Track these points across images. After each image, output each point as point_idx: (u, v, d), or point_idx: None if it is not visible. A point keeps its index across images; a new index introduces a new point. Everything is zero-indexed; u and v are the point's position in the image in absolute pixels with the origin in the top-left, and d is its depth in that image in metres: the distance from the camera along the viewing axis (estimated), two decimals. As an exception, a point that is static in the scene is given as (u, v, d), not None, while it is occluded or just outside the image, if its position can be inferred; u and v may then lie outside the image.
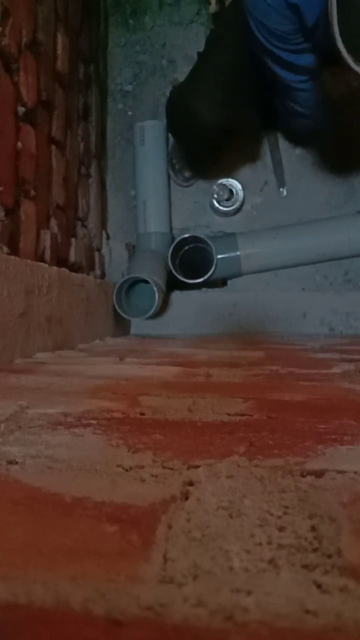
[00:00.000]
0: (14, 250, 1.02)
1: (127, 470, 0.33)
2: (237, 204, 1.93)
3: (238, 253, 1.80)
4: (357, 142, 1.91)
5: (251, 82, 1.52)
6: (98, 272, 1.79)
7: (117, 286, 1.57)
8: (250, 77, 1.50)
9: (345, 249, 1.81)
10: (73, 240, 1.47)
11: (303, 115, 1.58)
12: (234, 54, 1.46)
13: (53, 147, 1.30)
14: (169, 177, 1.95)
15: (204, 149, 1.77)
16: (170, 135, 1.84)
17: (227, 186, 1.94)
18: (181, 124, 1.62)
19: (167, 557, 0.22)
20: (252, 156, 1.98)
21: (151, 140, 1.88)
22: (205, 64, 1.54)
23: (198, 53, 1.62)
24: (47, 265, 1.04)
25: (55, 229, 1.30)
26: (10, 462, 0.34)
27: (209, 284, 1.86)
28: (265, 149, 1.98)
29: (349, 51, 1.08)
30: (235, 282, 1.93)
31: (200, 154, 1.88)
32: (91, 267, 1.70)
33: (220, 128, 1.55)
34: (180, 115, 1.58)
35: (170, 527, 0.25)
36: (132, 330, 1.81)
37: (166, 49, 2.02)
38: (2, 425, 0.43)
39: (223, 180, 1.94)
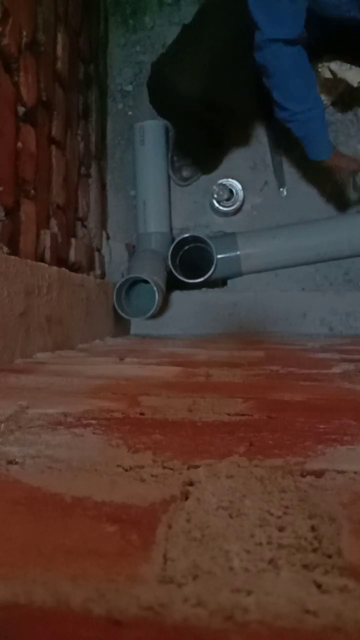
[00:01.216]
0: (14, 250, 1.03)
1: (127, 470, 0.33)
2: (237, 204, 1.93)
3: (238, 253, 1.80)
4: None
5: (242, 63, 1.46)
6: (98, 272, 1.79)
7: (117, 286, 1.57)
8: (242, 57, 1.44)
9: (345, 249, 1.81)
10: (73, 240, 1.47)
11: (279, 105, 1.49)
12: (223, 32, 1.42)
13: (53, 147, 1.30)
14: (169, 177, 1.95)
15: (188, 126, 1.69)
16: (154, 108, 1.76)
17: (227, 186, 1.94)
18: (159, 96, 1.54)
19: (167, 557, 0.22)
20: (252, 156, 1.98)
21: (151, 140, 1.87)
22: (189, 36, 1.47)
23: (184, 25, 1.53)
24: (47, 265, 1.04)
25: (55, 229, 1.30)
26: (10, 462, 0.34)
27: (209, 284, 1.86)
28: (266, 149, 1.98)
29: None
30: (235, 282, 1.93)
31: (199, 146, 1.83)
32: (91, 267, 1.70)
33: (200, 101, 1.45)
34: (158, 86, 1.51)
35: (170, 527, 0.25)
36: (132, 330, 1.81)
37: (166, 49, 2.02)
38: (2, 425, 0.43)
39: (223, 180, 1.94)
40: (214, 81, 1.43)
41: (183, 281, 1.76)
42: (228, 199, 1.93)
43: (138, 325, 1.80)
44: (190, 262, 1.80)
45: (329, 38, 1.50)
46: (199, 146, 1.85)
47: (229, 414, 0.48)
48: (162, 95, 1.52)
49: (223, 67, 1.43)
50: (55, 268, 1.09)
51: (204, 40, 1.43)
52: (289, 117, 1.52)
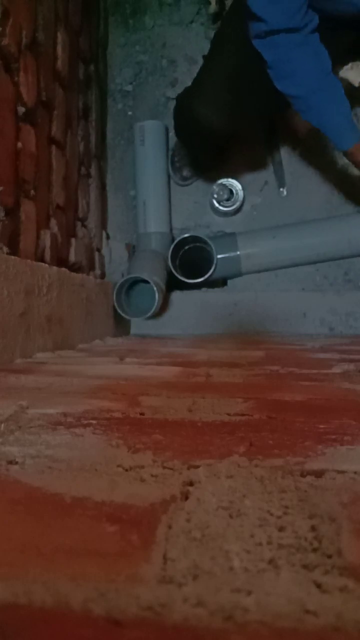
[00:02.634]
0: (14, 250, 1.03)
1: (127, 470, 0.33)
2: (237, 204, 1.93)
3: (238, 253, 1.80)
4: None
5: (257, 85, 1.48)
6: (98, 272, 1.79)
7: (117, 286, 1.57)
8: (256, 80, 1.46)
9: (345, 249, 1.81)
10: (73, 240, 1.47)
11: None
12: (238, 56, 1.43)
13: (53, 147, 1.30)
14: (169, 177, 1.95)
15: (208, 151, 1.76)
16: (176, 137, 1.84)
17: (227, 186, 1.94)
18: (188, 129, 1.60)
19: (167, 557, 0.22)
20: (253, 156, 1.98)
21: (151, 140, 1.88)
22: (209, 67, 1.51)
23: (203, 57, 1.60)
24: (47, 265, 1.04)
25: (55, 229, 1.30)
26: (10, 462, 0.34)
27: (209, 284, 1.86)
28: (266, 149, 1.98)
29: None
30: (235, 282, 1.93)
31: (206, 157, 1.87)
32: (91, 267, 1.70)
33: (227, 132, 1.52)
34: (186, 120, 1.56)
35: (170, 527, 0.25)
36: (132, 330, 1.81)
37: (166, 49, 2.02)
38: (2, 425, 0.43)
39: (223, 180, 1.94)
40: (238, 112, 1.47)
41: (183, 281, 1.76)
42: (228, 199, 1.93)
43: (138, 325, 1.80)
44: (190, 262, 1.80)
45: (331, 38, 1.48)
46: (209, 159, 1.88)
47: (229, 414, 0.48)
48: (188, 126, 1.57)
49: (244, 96, 1.46)
50: (55, 268, 1.09)
51: (224, 72, 1.46)
52: (297, 106, 1.41)
